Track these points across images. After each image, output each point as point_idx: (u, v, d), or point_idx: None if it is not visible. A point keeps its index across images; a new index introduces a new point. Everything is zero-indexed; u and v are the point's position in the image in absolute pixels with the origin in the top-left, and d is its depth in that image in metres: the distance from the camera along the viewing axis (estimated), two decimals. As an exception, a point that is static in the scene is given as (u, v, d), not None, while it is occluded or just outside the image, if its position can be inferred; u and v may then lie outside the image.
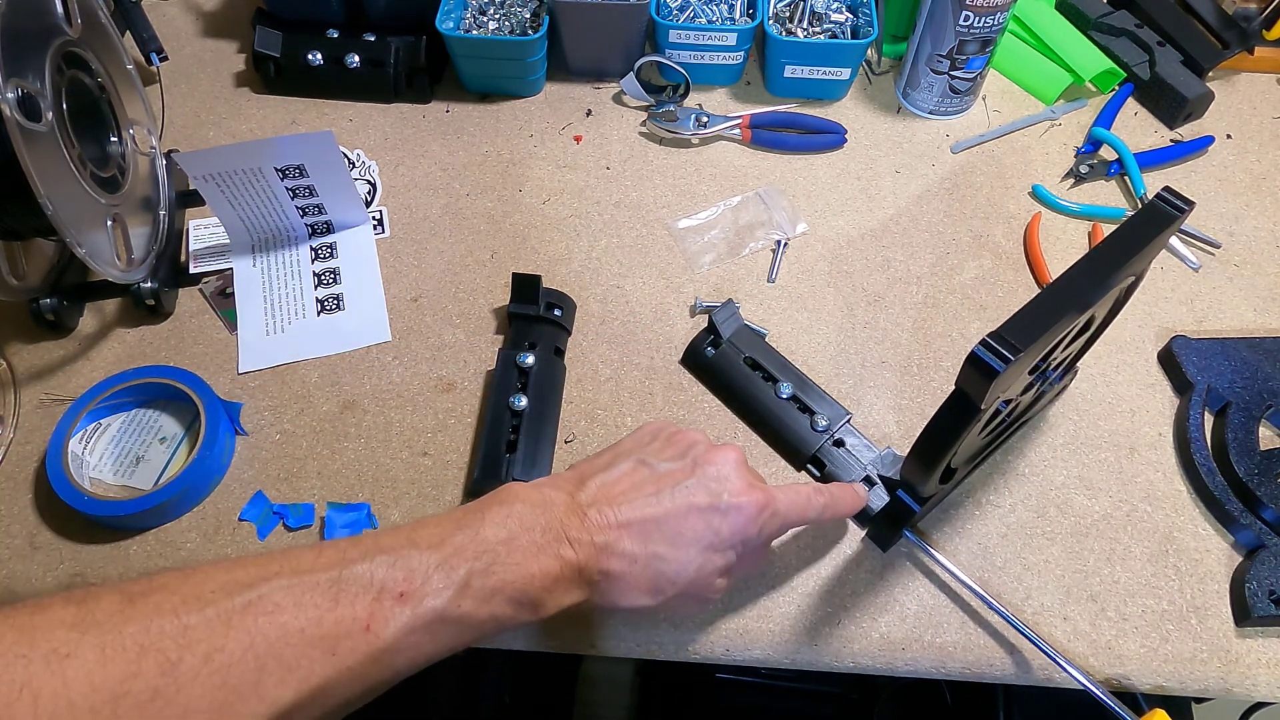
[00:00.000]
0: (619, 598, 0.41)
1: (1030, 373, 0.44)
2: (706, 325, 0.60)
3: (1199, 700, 0.59)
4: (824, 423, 0.55)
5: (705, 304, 0.63)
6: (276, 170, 0.61)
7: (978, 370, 0.36)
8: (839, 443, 0.55)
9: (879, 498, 0.53)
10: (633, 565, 0.40)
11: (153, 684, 0.29)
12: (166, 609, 0.31)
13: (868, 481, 0.53)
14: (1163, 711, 0.41)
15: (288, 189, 0.63)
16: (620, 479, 0.42)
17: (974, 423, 0.41)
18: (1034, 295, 0.38)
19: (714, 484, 0.42)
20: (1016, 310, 0.37)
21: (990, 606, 0.49)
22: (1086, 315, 0.41)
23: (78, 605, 0.30)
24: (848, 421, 0.55)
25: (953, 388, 0.39)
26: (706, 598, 0.44)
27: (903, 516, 0.50)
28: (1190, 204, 0.40)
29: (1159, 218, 0.40)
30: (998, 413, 0.45)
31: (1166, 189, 0.41)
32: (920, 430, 0.43)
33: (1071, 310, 0.38)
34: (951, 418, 0.41)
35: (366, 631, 0.33)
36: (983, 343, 0.36)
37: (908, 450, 0.45)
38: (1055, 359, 0.46)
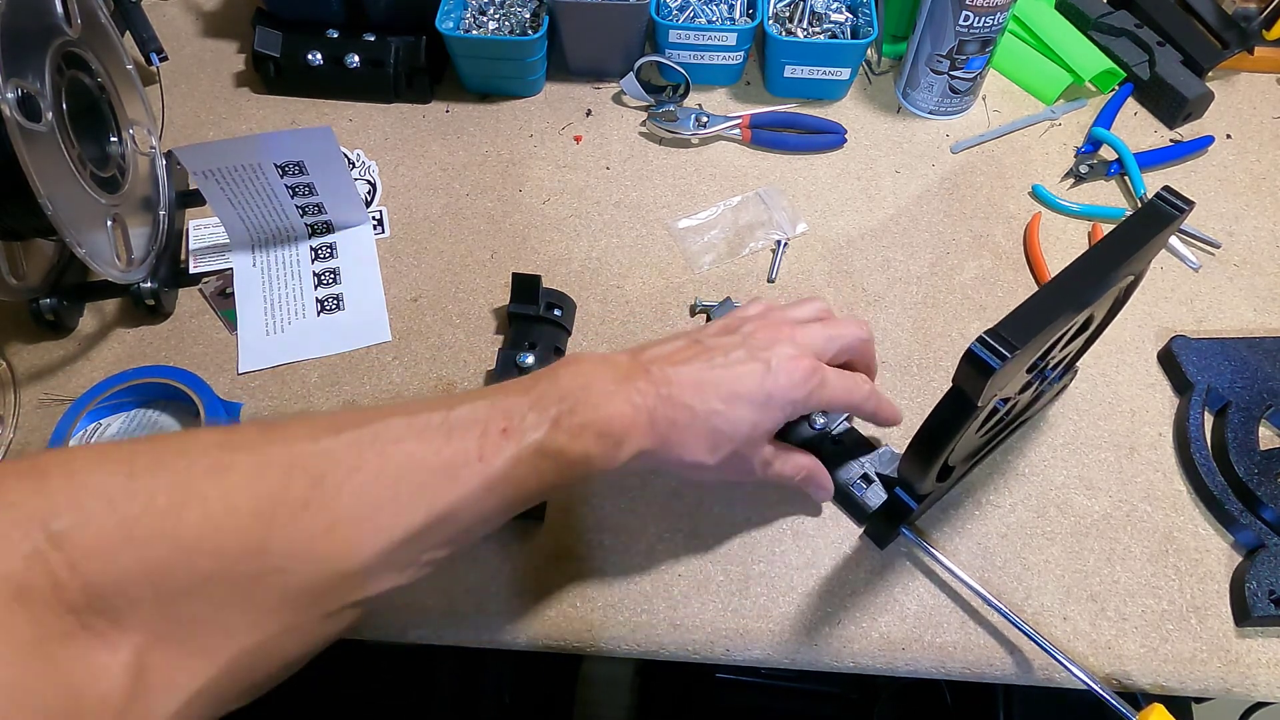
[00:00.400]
0: (682, 450, 0.42)
1: (1028, 371, 0.44)
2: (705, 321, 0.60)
3: (1199, 700, 0.59)
4: (821, 420, 0.55)
5: (704, 303, 0.63)
6: (276, 167, 0.61)
7: (974, 367, 0.36)
8: (837, 440, 0.55)
9: (876, 496, 0.53)
10: (694, 418, 0.42)
11: (303, 495, 0.32)
12: (304, 435, 0.34)
13: (865, 480, 0.53)
14: (1161, 706, 0.41)
15: (287, 187, 0.63)
16: (676, 350, 0.45)
17: (971, 420, 0.41)
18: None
19: (763, 351, 0.44)
20: (1014, 308, 0.37)
21: (988, 603, 0.49)
22: (1085, 314, 0.41)
23: (222, 432, 0.33)
24: (845, 419, 0.55)
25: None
26: (753, 466, 0.46)
27: (900, 514, 0.50)
28: (1190, 204, 0.40)
29: (1159, 217, 0.40)
30: (995, 411, 0.45)
31: (1166, 188, 0.41)
32: (914, 433, 0.43)
33: (1070, 309, 0.38)
34: (948, 415, 0.41)
35: (480, 461, 0.36)
36: (980, 340, 0.36)
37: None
38: (1054, 358, 0.46)
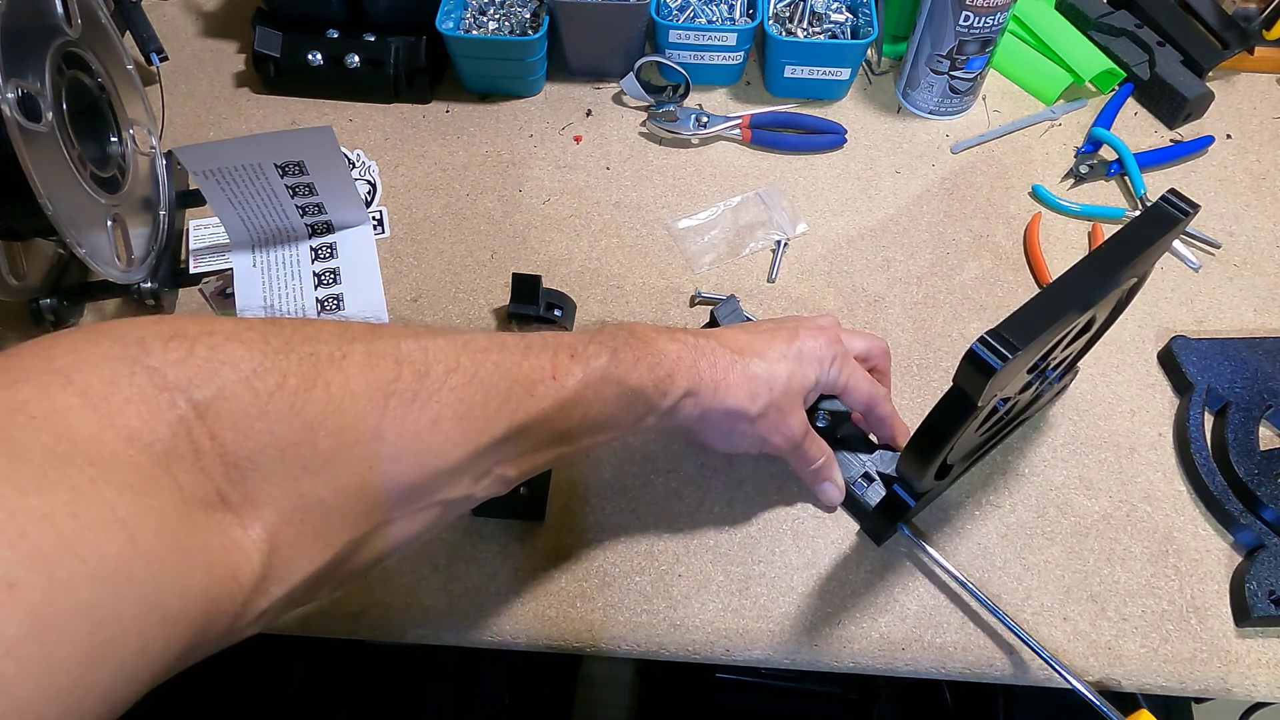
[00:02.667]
0: (725, 394, 0.44)
1: (1029, 371, 0.44)
2: (708, 321, 0.60)
3: (1199, 700, 0.59)
4: (826, 420, 0.55)
5: (704, 295, 0.63)
6: (276, 167, 0.61)
7: (975, 367, 0.36)
8: (839, 438, 0.55)
9: (876, 494, 0.53)
10: (733, 363, 0.45)
11: (412, 386, 0.33)
12: (408, 334, 0.35)
13: (866, 478, 0.54)
14: (1147, 712, 0.41)
15: (288, 187, 0.63)
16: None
17: (971, 420, 0.41)
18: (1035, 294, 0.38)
19: (790, 323, 0.49)
20: (1017, 308, 0.37)
21: (981, 602, 0.49)
22: (1088, 316, 0.41)
23: (337, 324, 0.35)
24: (849, 418, 0.55)
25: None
26: (790, 426, 0.47)
27: (898, 510, 0.50)
28: (1195, 207, 0.40)
29: (1163, 219, 0.40)
30: (995, 410, 0.45)
31: (1172, 191, 0.41)
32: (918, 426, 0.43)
33: (1072, 310, 0.38)
34: (948, 414, 0.41)
35: (554, 379, 0.38)
36: (981, 340, 0.36)
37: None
38: (1055, 358, 0.46)
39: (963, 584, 0.49)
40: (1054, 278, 0.64)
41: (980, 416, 0.42)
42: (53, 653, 0.22)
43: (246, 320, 0.32)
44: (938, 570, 0.51)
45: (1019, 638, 0.48)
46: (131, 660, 0.24)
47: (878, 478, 0.54)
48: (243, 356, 0.30)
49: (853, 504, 0.54)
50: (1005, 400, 0.45)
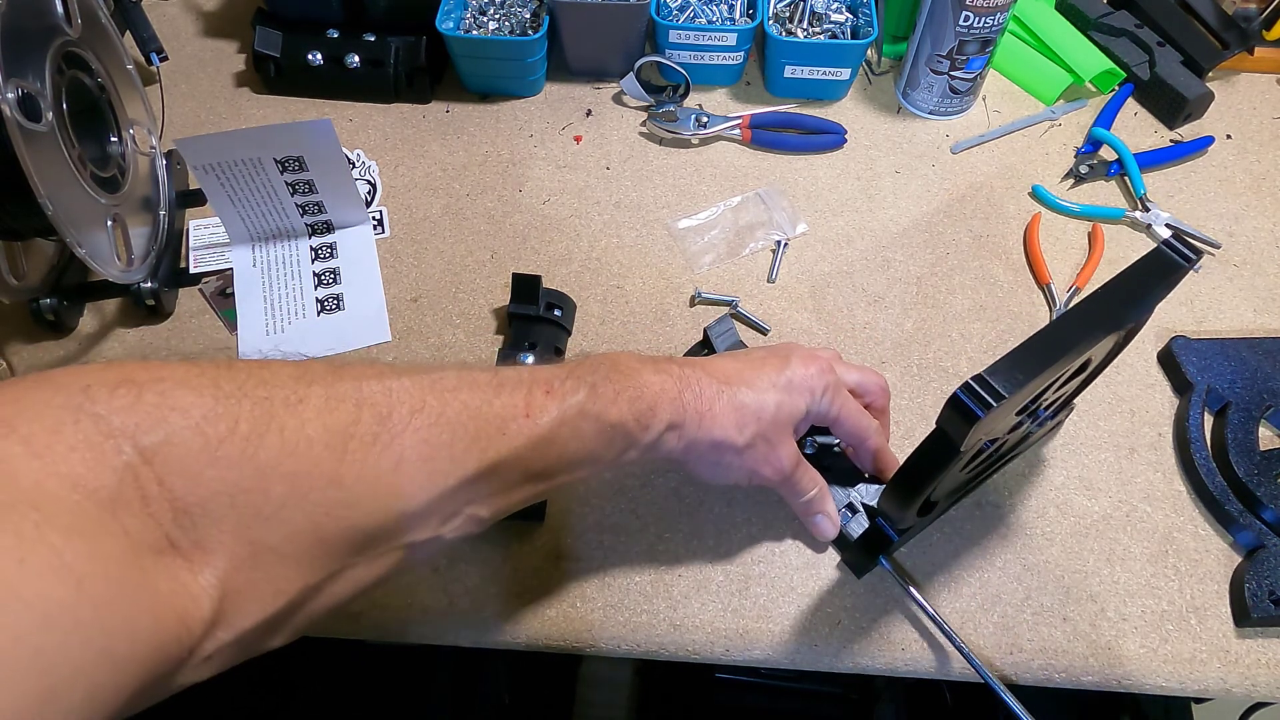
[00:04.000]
0: (711, 425, 0.43)
1: (1018, 413, 0.42)
2: (701, 339, 0.60)
3: (1199, 700, 0.59)
4: (814, 449, 0.54)
5: (705, 295, 0.63)
6: (276, 163, 0.61)
7: (958, 413, 0.35)
8: (825, 468, 0.54)
9: (860, 525, 0.52)
10: (719, 393, 0.43)
11: (372, 430, 0.33)
12: (371, 374, 0.35)
13: (850, 509, 0.52)
14: None
15: (288, 184, 0.63)
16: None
17: (954, 463, 0.39)
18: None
19: (783, 350, 0.48)
20: (1007, 351, 0.35)
21: (947, 635, 0.48)
22: (1082, 359, 0.40)
23: (296, 366, 0.34)
24: (837, 448, 0.55)
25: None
26: (780, 458, 0.46)
27: (880, 544, 0.49)
28: (1199, 254, 0.39)
29: (1166, 266, 0.39)
30: (982, 450, 0.44)
31: (1175, 235, 0.40)
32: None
33: (1065, 357, 0.36)
34: (930, 456, 0.39)
35: (527, 418, 0.37)
36: (965, 386, 0.34)
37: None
38: (1047, 399, 0.44)
39: (932, 616, 0.49)
40: (1053, 278, 0.64)
41: (965, 458, 0.41)
42: (3, 700, 0.22)
43: (199, 365, 0.32)
44: (909, 603, 0.50)
45: (967, 659, 0.47)
46: (80, 705, 0.24)
47: (862, 509, 0.53)
48: (193, 403, 0.30)
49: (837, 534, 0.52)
50: (993, 440, 0.44)
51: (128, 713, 0.27)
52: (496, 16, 0.75)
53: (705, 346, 0.59)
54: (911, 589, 0.50)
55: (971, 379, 0.34)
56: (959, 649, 0.47)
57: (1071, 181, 0.71)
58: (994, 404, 0.34)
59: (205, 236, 0.67)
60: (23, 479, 0.26)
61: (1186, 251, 0.39)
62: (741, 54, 0.74)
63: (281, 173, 0.61)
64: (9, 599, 0.23)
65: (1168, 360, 0.60)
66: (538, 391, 0.38)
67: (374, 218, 0.69)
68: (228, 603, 0.30)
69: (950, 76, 0.71)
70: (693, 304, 0.64)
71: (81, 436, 0.27)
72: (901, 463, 0.42)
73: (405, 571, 0.37)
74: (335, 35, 0.75)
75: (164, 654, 0.28)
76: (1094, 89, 0.77)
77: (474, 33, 0.74)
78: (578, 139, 0.74)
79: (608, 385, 0.40)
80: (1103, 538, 0.53)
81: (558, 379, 0.39)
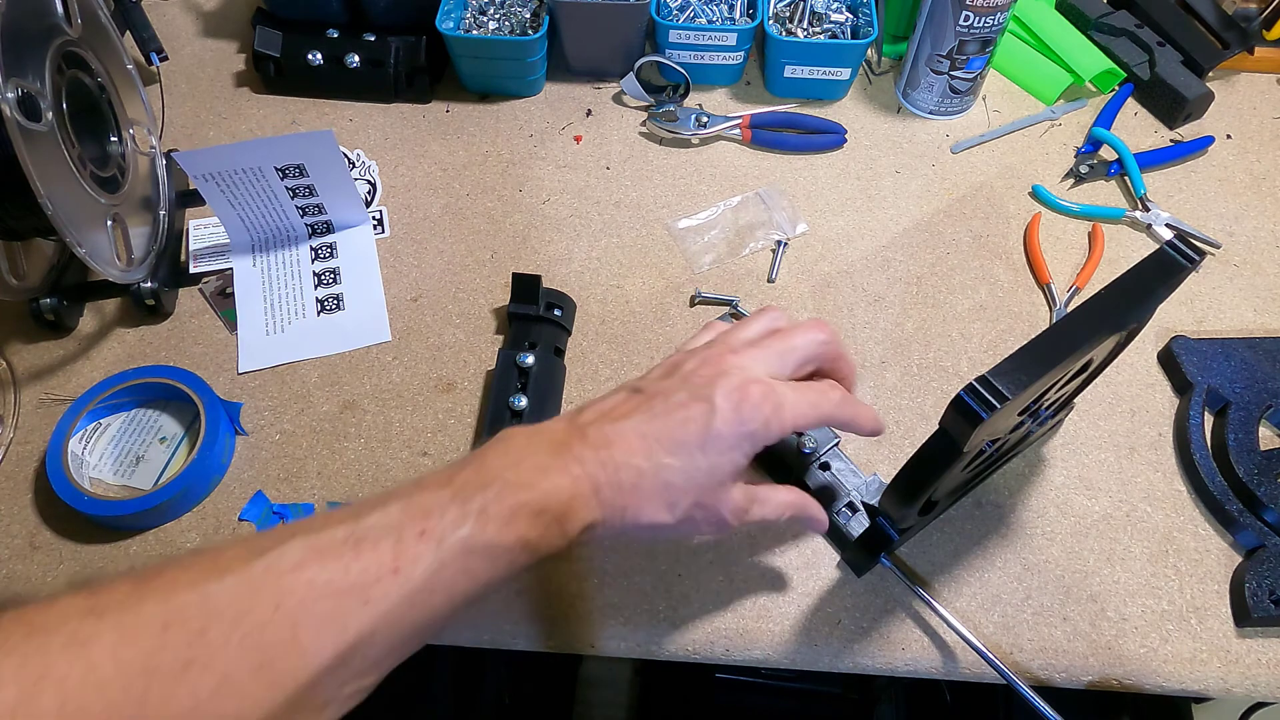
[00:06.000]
0: (637, 513, 0.38)
1: (1020, 413, 0.42)
2: None
3: (1199, 700, 0.59)
4: (811, 445, 0.54)
5: (705, 295, 0.63)
6: (276, 170, 0.61)
7: (962, 415, 0.35)
8: (825, 466, 0.53)
9: (860, 524, 0.51)
10: (641, 476, 0.38)
11: (183, 655, 0.29)
12: (183, 583, 0.30)
13: (850, 508, 0.52)
14: None
15: (288, 188, 0.63)
16: (615, 405, 0.41)
17: (956, 463, 0.39)
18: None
19: (705, 389, 0.40)
20: (1010, 353, 0.35)
21: (952, 628, 0.48)
22: (1084, 359, 0.40)
23: (89, 594, 0.30)
24: (835, 445, 0.54)
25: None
26: (723, 516, 0.41)
27: (881, 544, 0.49)
28: (1201, 255, 0.39)
29: (1168, 267, 0.39)
30: (983, 451, 0.44)
31: (1178, 236, 0.40)
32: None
33: (1067, 358, 0.37)
34: (933, 457, 0.39)
35: (396, 575, 0.32)
36: (969, 387, 0.34)
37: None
38: (1048, 399, 0.44)
39: (939, 613, 0.49)
40: (1053, 278, 0.64)
41: (967, 458, 0.41)
42: None
43: None
44: (920, 605, 0.50)
45: (991, 664, 0.47)
46: None
47: (861, 508, 0.52)
48: None
49: (835, 533, 0.52)
50: (994, 440, 0.44)
51: None
52: (496, 16, 0.75)
53: None
54: (918, 588, 0.50)
55: (975, 380, 0.34)
56: (974, 647, 0.47)
57: (1071, 181, 0.71)
58: (998, 405, 0.34)
59: (205, 236, 0.67)
60: None
61: (1189, 252, 0.39)
62: (741, 54, 0.74)
63: (282, 179, 0.62)
64: None
65: (1168, 360, 0.60)
66: (408, 537, 0.33)
67: (374, 218, 0.69)
68: None
69: (950, 76, 0.71)
70: (693, 304, 0.64)
71: None
72: (903, 463, 0.42)
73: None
74: (335, 35, 0.75)
75: None
76: (1094, 89, 0.77)
77: (474, 32, 0.74)
78: (578, 139, 0.74)
79: (499, 505, 0.35)
80: (1103, 538, 0.53)
81: (436, 511, 0.34)
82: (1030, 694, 0.45)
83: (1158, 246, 0.40)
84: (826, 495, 0.53)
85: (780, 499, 0.45)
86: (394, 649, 0.33)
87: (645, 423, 0.39)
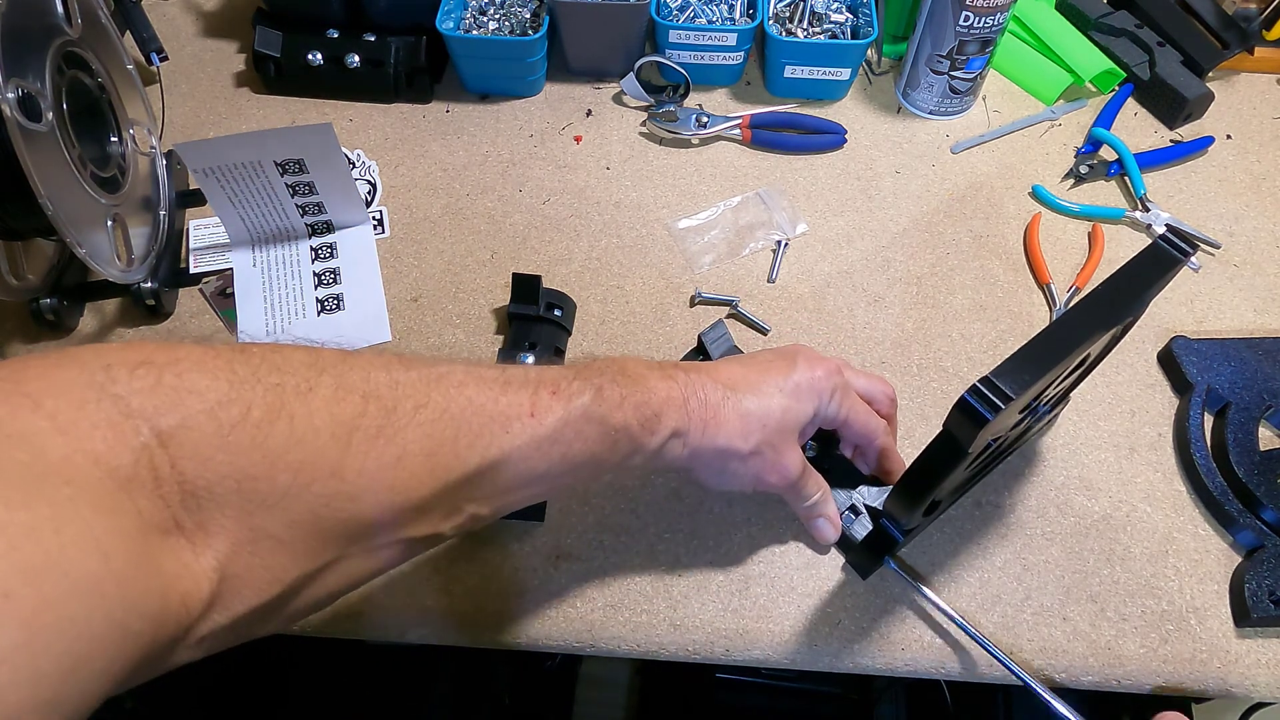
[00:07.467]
0: (715, 433, 0.43)
1: (1021, 411, 0.42)
2: (696, 345, 0.60)
3: (1199, 700, 0.59)
4: (812, 454, 0.54)
5: (705, 295, 0.63)
6: (276, 165, 0.61)
7: (967, 416, 0.35)
8: (826, 470, 0.53)
9: (863, 527, 0.52)
10: (725, 399, 0.43)
11: (377, 422, 0.33)
12: (379, 364, 0.35)
13: (854, 511, 0.52)
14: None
15: (288, 185, 0.63)
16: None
17: (961, 464, 0.40)
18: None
19: (790, 354, 0.47)
20: (1011, 353, 0.36)
21: (963, 629, 0.48)
22: (1082, 354, 0.40)
23: (309, 352, 0.34)
24: (837, 447, 0.55)
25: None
26: (786, 465, 0.46)
27: (885, 546, 0.49)
28: (1194, 247, 0.39)
29: (1162, 260, 0.40)
30: (986, 448, 0.44)
31: (1171, 229, 0.40)
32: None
33: (1067, 355, 0.37)
34: (938, 458, 0.39)
35: (531, 417, 0.37)
36: (973, 389, 0.34)
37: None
38: (1047, 395, 0.45)
39: (946, 613, 0.49)
40: (1053, 278, 0.64)
41: (971, 458, 0.41)
42: (40, 664, 0.22)
43: (215, 348, 0.32)
44: (926, 605, 0.50)
45: (998, 659, 0.47)
46: (97, 676, 0.25)
47: (864, 511, 0.52)
48: (208, 386, 0.30)
49: (839, 537, 0.52)
50: (996, 439, 0.44)
51: (121, 689, 0.27)
52: (496, 16, 0.75)
53: (700, 353, 0.59)
54: (924, 589, 0.50)
55: (979, 382, 0.35)
56: (986, 648, 0.47)
57: (1071, 181, 0.71)
58: (1002, 406, 0.34)
59: (205, 236, 0.67)
60: (51, 453, 0.26)
61: (1183, 245, 0.40)
62: (741, 54, 0.74)
63: (282, 175, 0.61)
64: (50, 567, 0.23)
65: (1168, 360, 0.60)
66: (544, 391, 0.38)
67: (374, 218, 0.69)
68: (226, 586, 0.30)
69: (950, 76, 0.71)
70: (693, 304, 0.64)
71: (103, 415, 0.28)
72: (907, 465, 0.42)
73: (405, 562, 0.37)
74: (335, 35, 0.75)
75: (164, 633, 0.28)
76: (1094, 89, 0.77)
77: (474, 33, 0.74)
78: (578, 139, 0.74)
79: (614, 389, 0.39)
80: (1103, 538, 0.53)
81: (564, 380, 0.39)
82: (1046, 694, 0.45)
83: (1152, 240, 0.41)
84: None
85: (820, 478, 0.50)
86: (513, 485, 0.38)
87: (735, 364, 0.46)
